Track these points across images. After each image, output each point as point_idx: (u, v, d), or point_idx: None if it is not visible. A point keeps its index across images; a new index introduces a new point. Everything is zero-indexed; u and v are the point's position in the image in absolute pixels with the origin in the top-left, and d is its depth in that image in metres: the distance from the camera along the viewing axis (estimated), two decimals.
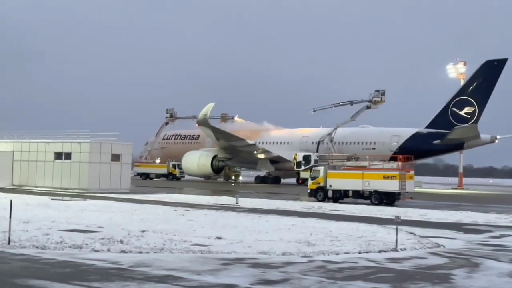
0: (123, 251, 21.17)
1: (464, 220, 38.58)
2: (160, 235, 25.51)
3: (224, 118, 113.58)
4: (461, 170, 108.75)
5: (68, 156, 64.65)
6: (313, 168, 63.57)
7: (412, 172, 55.56)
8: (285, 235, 27.14)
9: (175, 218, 34.16)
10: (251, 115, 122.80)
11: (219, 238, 25.22)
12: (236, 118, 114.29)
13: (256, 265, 19.20)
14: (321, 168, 56.37)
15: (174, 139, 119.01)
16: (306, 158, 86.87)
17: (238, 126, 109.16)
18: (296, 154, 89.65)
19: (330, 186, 54.46)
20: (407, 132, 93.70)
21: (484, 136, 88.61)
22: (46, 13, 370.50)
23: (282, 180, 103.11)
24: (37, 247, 21.52)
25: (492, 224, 36.87)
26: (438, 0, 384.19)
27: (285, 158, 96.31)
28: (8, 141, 70.23)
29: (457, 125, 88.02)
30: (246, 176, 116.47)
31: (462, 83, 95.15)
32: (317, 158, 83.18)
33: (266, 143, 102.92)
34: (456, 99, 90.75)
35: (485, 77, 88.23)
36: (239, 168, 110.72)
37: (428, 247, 24.76)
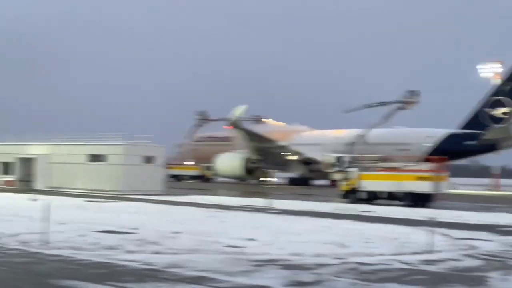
0: (156, 252, 21.33)
1: (500, 222, 37.93)
2: (193, 237, 25.63)
3: (256, 120, 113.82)
4: (496, 171, 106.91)
5: (102, 158, 65.71)
6: (346, 169, 63.25)
7: (446, 173, 55.02)
8: (318, 236, 27.03)
9: (208, 220, 34.30)
10: (282, 117, 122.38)
11: (251, 239, 25.20)
12: (268, 120, 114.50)
13: (288, 266, 19.16)
14: (354, 170, 56.13)
15: (207, 141, 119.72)
16: (339, 160, 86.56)
17: (270, 128, 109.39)
18: (328, 155, 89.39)
19: (363, 187, 54.17)
20: (441, 133, 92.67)
21: None
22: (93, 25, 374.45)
23: (314, 182, 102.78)
24: (72, 248, 21.79)
25: None
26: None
27: (317, 159, 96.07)
28: (46, 144, 71.44)
29: (492, 126, 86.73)
30: (277, 177, 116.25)
31: (497, 83, 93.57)
32: (350, 160, 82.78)
33: (298, 144, 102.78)
34: (492, 99, 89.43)
35: None
36: (271, 169, 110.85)
37: (463, 249, 24.40)
